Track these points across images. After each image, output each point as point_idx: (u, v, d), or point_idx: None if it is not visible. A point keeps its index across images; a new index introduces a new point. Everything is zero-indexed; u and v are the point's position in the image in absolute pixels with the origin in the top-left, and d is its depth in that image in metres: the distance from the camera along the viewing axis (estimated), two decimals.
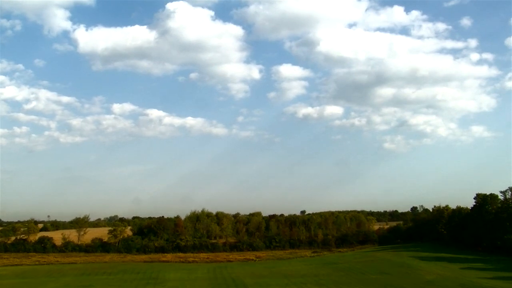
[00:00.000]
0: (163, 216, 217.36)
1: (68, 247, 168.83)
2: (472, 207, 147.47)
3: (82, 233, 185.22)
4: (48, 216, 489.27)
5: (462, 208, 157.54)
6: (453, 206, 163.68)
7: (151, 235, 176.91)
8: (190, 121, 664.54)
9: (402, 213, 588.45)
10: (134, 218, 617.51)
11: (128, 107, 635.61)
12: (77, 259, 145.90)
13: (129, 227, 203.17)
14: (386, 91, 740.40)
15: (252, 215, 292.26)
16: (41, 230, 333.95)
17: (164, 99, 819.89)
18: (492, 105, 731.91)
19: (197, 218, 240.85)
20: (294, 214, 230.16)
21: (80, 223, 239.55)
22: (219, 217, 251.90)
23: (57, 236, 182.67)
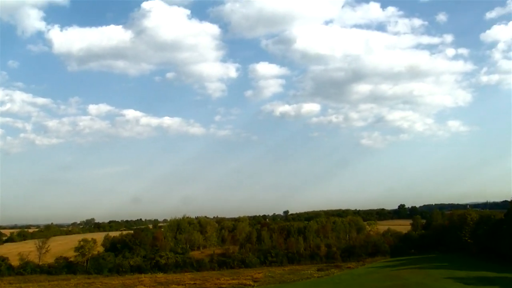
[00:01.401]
0: (139, 228, 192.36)
1: (27, 269, 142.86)
2: (506, 213, 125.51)
3: (43, 251, 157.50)
4: (15, 225, 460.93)
5: (492, 213, 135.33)
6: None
7: (125, 251, 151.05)
8: (167, 121, 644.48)
9: (390, 212, 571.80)
10: (110, 222, 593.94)
11: (104, 108, 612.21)
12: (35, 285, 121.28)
13: (99, 243, 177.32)
14: (363, 88, 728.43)
15: (237, 220, 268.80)
16: (6, 241, 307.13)
17: (140, 99, 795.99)
18: (468, 100, 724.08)
19: (177, 226, 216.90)
20: (289, 223, 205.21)
21: (47, 235, 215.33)
22: (202, 224, 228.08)
23: (18, 251, 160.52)
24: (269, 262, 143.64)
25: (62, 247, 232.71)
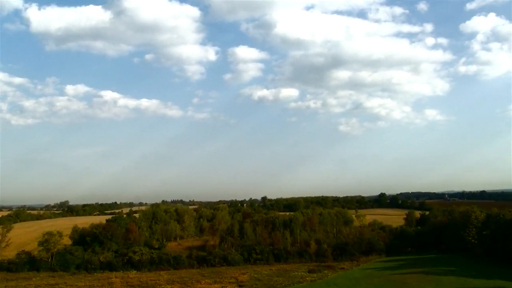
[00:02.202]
0: (112, 218, 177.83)
1: None
2: None
3: (3, 244, 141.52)
4: None
5: (501, 212, 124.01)
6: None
7: (95, 245, 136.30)
8: (145, 102, 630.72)
9: (370, 200, 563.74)
10: (84, 206, 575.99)
11: (82, 88, 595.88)
12: None
13: (67, 233, 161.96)
14: (342, 74, 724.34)
15: (216, 208, 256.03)
16: None
17: (118, 81, 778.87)
18: (446, 89, 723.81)
19: (153, 215, 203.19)
20: (273, 214, 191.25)
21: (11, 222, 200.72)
22: (179, 213, 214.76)
23: None
24: (254, 260, 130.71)
25: (29, 236, 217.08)
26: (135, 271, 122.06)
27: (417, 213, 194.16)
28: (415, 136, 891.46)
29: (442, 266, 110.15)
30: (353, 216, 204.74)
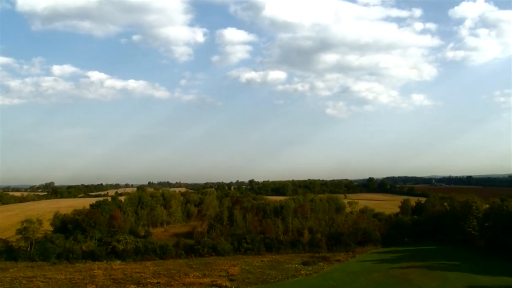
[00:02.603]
0: (96, 203, 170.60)
1: None
2: None
3: None
4: None
5: (504, 204, 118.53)
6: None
7: (77, 233, 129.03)
8: (132, 83, 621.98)
9: (358, 185, 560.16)
10: (69, 187, 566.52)
11: (68, 69, 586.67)
12: None
13: (48, 220, 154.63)
14: (330, 57, 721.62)
15: (203, 193, 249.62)
16: None
17: (106, 61, 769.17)
18: (433, 74, 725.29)
19: (139, 199, 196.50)
20: (264, 201, 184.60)
21: None
22: (165, 198, 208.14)
23: None
24: (244, 250, 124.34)
25: (9, 220, 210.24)
26: (119, 261, 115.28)
27: (413, 201, 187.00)
28: (401, 121, 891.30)
29: (443, 259, 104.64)
30: (346, 202, 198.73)
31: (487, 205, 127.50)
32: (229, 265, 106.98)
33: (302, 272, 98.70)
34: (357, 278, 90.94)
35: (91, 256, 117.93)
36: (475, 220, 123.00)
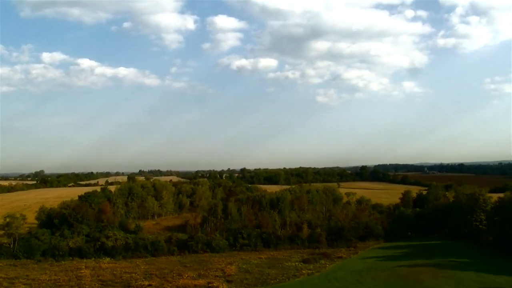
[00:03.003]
0: (83, 197, 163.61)
1: None
2: None
3: None
4: None
5: None
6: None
7: (64, 228, 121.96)
8: (122, 71, 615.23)
9: (351, 174, 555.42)
10: (59, 176, 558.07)
11: (58, 56, 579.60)
12: None
13: (35, 212, 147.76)
14: (321, 45, 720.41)
15: (196, 183, 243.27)
16: None
17: (96, 49, 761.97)
18: (424, 62, 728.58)
19: (129, 190, 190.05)
20: (259, 193, 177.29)
21: None
22: (157, 188, 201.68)
23: None
24: (240, 246, 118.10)
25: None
26: (108, 259, 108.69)
27: (414, 192, 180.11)
28: (392, 108, 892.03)
29: (452, 256, 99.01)
30: (343, 193, 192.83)
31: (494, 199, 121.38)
32: (225, 263, 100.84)
33: (303, 271, 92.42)
34: (362, 278, 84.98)
35: (79, 253, 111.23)
36: (482, 214, 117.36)
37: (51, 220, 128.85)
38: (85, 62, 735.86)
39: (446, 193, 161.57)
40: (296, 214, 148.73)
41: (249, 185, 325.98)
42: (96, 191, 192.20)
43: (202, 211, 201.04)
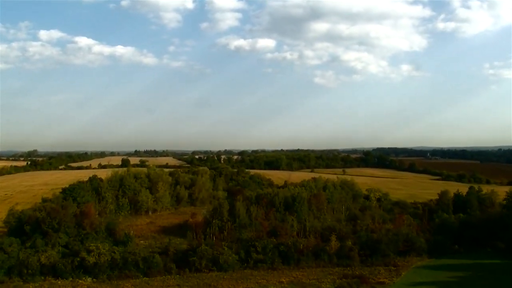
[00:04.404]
0: (66, 192, 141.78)
1: None
2: None
3: None
4: None
5: None
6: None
7: (36, 238, 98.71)
8: (120, 49, 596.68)
9: (356, 159, 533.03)
10: (51, 158, 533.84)
11: (56, 34, 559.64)
12: None
13: (16, 204, 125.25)
14: (320, 26, 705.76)
15: (195, 173, 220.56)
16: None
17: (93, 27, 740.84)
18: (423, 45, 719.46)
19: (120, 182, 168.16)
20: (272, 190, 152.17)
21: None
22: (151, 179, 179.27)
23: None
24: (254, 262, 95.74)
25: None
26: (89, 279, 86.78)
27: (451, 191, 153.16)
28: (390, 91, 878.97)
29: None
30: (363, 190, 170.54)
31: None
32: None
33: None
34: None
35: (53, 271, 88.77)
36: None
37: (22, 226, 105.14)
38: (83, 40, 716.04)
39: (492, 197, 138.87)
40: (314, 215, 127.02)
41: (251, 172, 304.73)
42: (83, 182, 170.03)
43: (202, 205, 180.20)
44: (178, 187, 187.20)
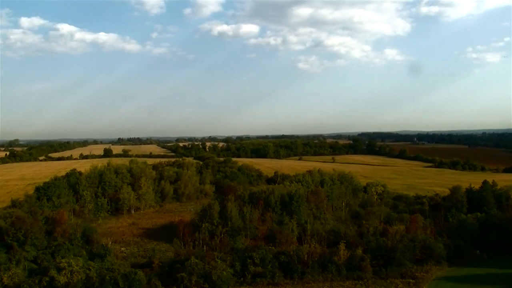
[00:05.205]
0: (40, 190, 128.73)
1: None
2: None
3: None
4: None
5: None
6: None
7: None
8: (102, 36, 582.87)
9: (344, 146, 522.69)
10: (31, 149, 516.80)
11: (37, 21, 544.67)
12: None
13: None
14: (303, 11, 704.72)
15: (180, 166, 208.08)
16: None
17: (76, 14, 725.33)
18: (406, 30, 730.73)
19: (100, 178, 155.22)
20: (261, 188, 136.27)
21: None
22: (133, 174, 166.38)
23: None
24: (251, 276, 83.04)
25: None
26: None
27: (462, 187, 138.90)
28: (374, 76, 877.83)
29: None
30: (362, 183, 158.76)
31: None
32: None
33: None
34: None
35: None
36: None
37: None
38: (65, 27, 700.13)
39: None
40: (314, 215, 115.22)
41: (238, 162, 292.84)
42: (59, 179, 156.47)
43: (188, 201, 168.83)
44: (162, 182, 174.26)
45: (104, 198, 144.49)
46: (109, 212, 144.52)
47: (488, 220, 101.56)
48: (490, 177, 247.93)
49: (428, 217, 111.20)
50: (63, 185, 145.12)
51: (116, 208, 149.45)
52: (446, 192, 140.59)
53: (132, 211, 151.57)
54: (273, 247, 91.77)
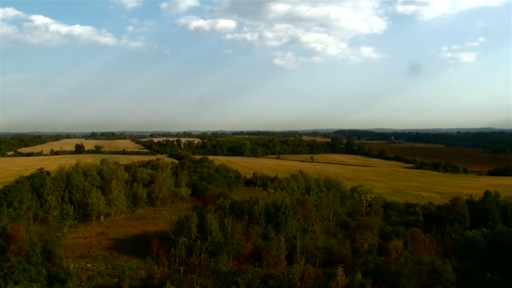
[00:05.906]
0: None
1: None
2: None
3: None
4: None
5: None
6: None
7: None
8: (78, 29, 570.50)
9: (322, 145, 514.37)
10: (0, 143, 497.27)
11: (11, 12, 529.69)
12: None
13: None
14: (280, 7, 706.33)
15: (155, 167, 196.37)
16: None
17: (50, 5, 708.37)
18: (382, 28, 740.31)
19: (67, 181, 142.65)
20: (249, 197, 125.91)
21: None
22: (104, 177, 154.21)
23: None
24: None
25: None
26: None
27: (463, 195, 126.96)
28: (349, 73, 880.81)
29: None
30: (350, 191, 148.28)
31: None
32: None
33: None
34: None
35: None
36: None
37: None
38: (39, 19, 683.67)
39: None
40: (302, 228, 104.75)
41: (215, 161, 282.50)
42: (23, 182, 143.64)
43: (162, 205, 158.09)
44: (135, 185, 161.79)
45: (71, 204, 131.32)
46: (76, 220, 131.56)
47: (497, 237, 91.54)
48: (474, 180, 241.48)
49: (428, 233, 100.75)
50: (26, 188, 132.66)
51: (84, 215, 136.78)
52: (435, 198, 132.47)
53: (102, 218, 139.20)
54: (260, 269, 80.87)
